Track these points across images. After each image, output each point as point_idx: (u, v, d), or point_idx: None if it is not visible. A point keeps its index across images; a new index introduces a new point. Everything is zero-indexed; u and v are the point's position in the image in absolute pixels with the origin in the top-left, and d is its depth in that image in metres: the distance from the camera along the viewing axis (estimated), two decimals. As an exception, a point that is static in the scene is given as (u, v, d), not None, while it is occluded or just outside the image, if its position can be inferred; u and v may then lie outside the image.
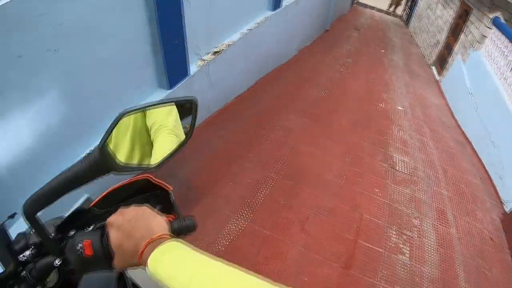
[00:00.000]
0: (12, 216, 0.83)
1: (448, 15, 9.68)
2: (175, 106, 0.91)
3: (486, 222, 4.19)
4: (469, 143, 5.96)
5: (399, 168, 4.52)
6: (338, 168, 4.21)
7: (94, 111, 2.54)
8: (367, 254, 3.22)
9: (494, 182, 4.94)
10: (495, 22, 6.64)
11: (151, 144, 1.00)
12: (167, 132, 0.98)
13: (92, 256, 0.70)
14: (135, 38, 2.82)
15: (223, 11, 4.01)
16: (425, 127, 5.97)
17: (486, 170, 5.21)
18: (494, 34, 6.61)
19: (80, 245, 0.71)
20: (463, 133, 6.29)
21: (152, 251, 0.61)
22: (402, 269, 3.19)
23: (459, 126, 6.51)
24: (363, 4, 16.69)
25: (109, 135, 0.70)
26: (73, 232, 0.79)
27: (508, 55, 5.83)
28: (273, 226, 3.22)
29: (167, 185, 0.98)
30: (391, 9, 17.57)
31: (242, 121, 4.64)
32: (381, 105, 6.32)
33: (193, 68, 3.70)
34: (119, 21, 2.56)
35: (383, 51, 9.85)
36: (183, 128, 0.96)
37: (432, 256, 3.43)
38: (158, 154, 0.89)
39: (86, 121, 2.50)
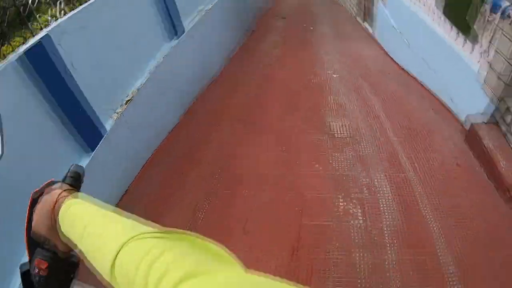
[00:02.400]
0: None
1: (358, -35, 10.03)
2: None
3: (448, 150, 4.24)
4: (414, 79, 6.07)
5: (338, 134, 4.61)
6: (273, 158, 4.33)
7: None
8: (314, 232, 3.29)
9: (448, 106, 5.03)
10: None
11: None
12: None
13: (49, 265, 0.77)
14: (42, 121, 3.21)
15: (118, 63, 4.22)
16: (364, 82, 6.09)
17: (437, 99, 5.30)
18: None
19: (35, 270, 0.77)
20: (406, 73, 6.41)
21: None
22: (358, 233, 3.23)
23: (401, 68, 6.65)
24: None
25: None
26: None
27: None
28: (214, 235, 3.26)
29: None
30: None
31: (176, 154, 4.83)
32: (314, 80, 6.47)
33: (109, 124, 3.95)
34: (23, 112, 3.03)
35: (312, 28, 10.13)
36: None
37: (390, 207, 3.47)
38: None
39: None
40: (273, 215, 3.54)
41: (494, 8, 3.91)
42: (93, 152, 3.63)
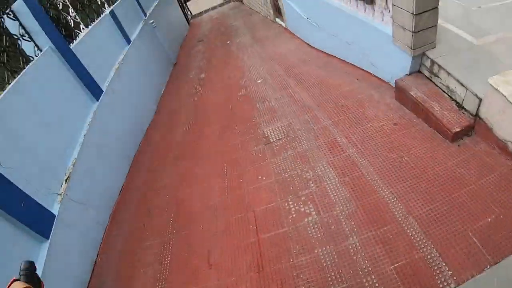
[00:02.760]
0: None
1: (254, -31, 10.32)
2: None
3: (382, 114, 4.28)
4: (335, 58, 6.18)
5: (273, 139, 4.63)
6: (219, 185, 4.32)
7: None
8: (274, 243, 3.26)
9: (371, 72, 5.12)
10: None
11: None
12: None
13: None
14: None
15: (46, 145, 4.15)
16: (287, 78, 6.16)
17: (360, 68, 5.40)
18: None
19: None
20: (325, 54, 6.53)
21: None
22: (315, 229, 3.21)
23: (320, 51, 6.77)
24: (199, 13, 17.61)
25: None
26: None
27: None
28: (182, 279, 3.41)
29: None
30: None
31: (130, 211, 4.78)
32: (241, 93, 6.51)
33: (56, 208, 3.87)
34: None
35: (229, 41, 10.28)
36: None
37: (340, 192, 3.47)
38: None
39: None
40: (231, 240, 3.52)
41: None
42: (50, 239, 3.59)
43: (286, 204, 3.56)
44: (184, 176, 4.86)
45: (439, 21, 4.12)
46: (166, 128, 6.58)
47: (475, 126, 3.48)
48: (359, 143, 3.94)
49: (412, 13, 3.70)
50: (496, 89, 3.00)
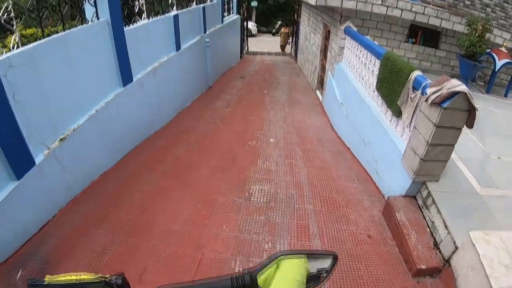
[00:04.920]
0: None
1: (318, 40, 10.90)
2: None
3: (363, 221, 4.45)
4: (348, 150, 6.46)
5: (255, 199, 4.83)
6: (187, 215, 4.48)
7: None
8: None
9: (373, 179, 5.34)
10: (346, 31, 7.60)
11: None
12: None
13: None
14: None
15: (60, 102, 4.45)
16: (298, 149, 6.46)
17: (365, 170, 5.63)
18: (348, 42, 7.56)
19: None
20: (342, 142, 6.83)
21: None
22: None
23: (338, 137, 7.08)
24: (254, 52, 18.40)
25: (263, 267, 0.89)
26: None
27: (358, 54, 6.68)
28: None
29: None
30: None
31: (101, 196, 4.93)
32: (251, 143, 6.82)
33: (39, 157, 4.11)
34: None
35: (266, 91, 10.77)
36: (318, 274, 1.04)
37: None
38: None
39: None
40: (170, 269, 3.62)
41: (417, 84, 4.27)
42: (20, 181, 3.79)
43: (233, 262, 3.69)
44: (161, 193, 5.06)
45: (455, 157, 4.27)
46: (171, 141, 6.86)
47: (442, 271, 3.52)
48: (327, 239, 4.09)
49: (427, 142, 3.88)
50: (473, 245, 3.03)
